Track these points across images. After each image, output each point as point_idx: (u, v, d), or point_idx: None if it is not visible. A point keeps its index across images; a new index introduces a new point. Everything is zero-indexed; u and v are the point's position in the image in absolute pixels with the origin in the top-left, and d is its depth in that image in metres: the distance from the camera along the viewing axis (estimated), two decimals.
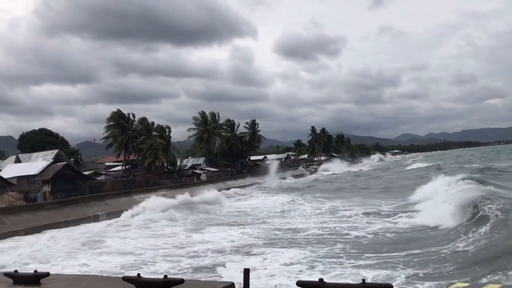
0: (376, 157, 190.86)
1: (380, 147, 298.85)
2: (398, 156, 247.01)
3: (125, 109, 60.29)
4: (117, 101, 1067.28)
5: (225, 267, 17.88)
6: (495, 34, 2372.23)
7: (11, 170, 47.44)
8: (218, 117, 78.82)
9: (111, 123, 59.81)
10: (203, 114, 77.74)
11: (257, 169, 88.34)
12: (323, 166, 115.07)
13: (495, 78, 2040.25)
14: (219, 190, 55.24)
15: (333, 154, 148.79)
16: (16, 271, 4.59)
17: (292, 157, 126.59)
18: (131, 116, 60.83)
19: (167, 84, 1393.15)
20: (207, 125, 76.70)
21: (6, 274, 4.60)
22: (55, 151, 54.81)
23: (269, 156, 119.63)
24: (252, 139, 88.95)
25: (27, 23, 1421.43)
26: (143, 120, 63.28)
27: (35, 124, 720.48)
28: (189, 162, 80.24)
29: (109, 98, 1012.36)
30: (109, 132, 59.63)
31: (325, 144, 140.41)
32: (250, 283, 4.13)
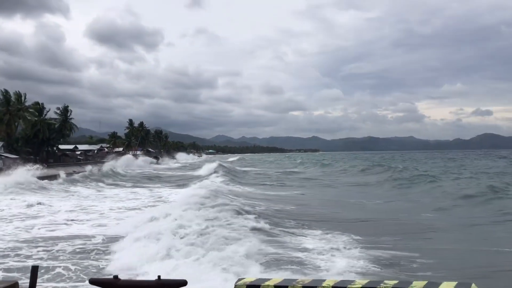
0: (190, 156, 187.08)
1: (197, 146, 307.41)
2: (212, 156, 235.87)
3: None
4: None
5: None
6: (302, 53, 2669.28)
7: None
8: (25, 98, 70.48)
9: None
10: (6, 93, 68.54)
11: (66, 159, 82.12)
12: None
13: (298, 92, 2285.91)
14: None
15: (150, 149, 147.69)
16: None
17: (106, 149, 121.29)
18: None
19: None
20: (9, 105, 67.91)
21: None
22: None
23: (80, 147, 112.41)
24: (62, 127, 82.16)
25: None
26: None
27: None
28: None
29: None
30: None
31: (142, 138, 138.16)
32: (37, 281, 3.96)
